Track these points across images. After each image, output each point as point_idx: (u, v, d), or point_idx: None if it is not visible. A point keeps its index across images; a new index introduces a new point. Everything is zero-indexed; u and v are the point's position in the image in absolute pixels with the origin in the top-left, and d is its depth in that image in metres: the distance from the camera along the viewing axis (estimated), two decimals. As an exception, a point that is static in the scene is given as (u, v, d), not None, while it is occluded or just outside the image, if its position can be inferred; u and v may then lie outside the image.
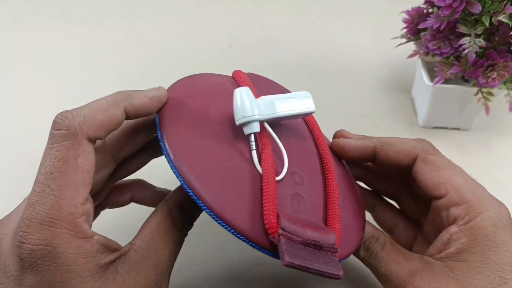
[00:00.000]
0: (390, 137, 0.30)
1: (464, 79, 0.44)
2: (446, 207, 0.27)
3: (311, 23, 0.67)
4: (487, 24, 0.38)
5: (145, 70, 0.58)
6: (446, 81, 0.43)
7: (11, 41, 0.63)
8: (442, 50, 0.41)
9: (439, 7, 0.39)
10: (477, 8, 0.37)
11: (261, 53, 0.61)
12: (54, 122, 0.22)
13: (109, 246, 0.23)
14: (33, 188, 0.21)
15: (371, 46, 0.62)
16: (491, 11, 0.38)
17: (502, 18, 0.37)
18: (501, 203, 0.27)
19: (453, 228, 0.26)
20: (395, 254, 0.28)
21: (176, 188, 0.27)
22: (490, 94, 0.42)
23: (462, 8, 0.37)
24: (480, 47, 0.39)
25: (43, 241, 0.20)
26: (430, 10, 0.43)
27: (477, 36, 0.39)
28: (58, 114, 0.23)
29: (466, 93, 0.44)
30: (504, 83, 0.41)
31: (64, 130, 0.22)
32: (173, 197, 0.26)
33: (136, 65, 0.59)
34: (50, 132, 0.22)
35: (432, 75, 0.44)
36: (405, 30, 0.46)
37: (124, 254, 0.23)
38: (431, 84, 0.43)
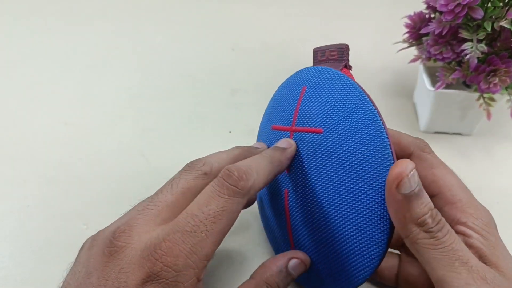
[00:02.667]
0: (390, 128, 0.29)
1: (465, 85, 0.44)
2: (439, 206, 0.27)
3: (313, 28, 0.67)
4: (489, 29, 0.38)
5: (147, 73, 0.58)
6: (448, 86, 0.43)
7: (14, 43, 0.63)
8: (444, 55, 0.41)
9: (441, 12, 0.39)
10: (479, 14, 0.37)
11: (263, 57, 0.61)
12: (229, 176, 0.25)
13: None
14: (186, 218, 0.23)
15: (373, 51, 0.62)
16: (493, 17, 0.38)
17: (504, 23, 0.37)
18: (484, 207, 0.27)
19: (458, 228, 0.26)
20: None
21: (265, 262, 0.29)
22: (492, 99, 0.42)
23: (464, 13, 0.37)
24: (482, 53, 0.39)
25: (175, 266, 0.22)
26: (432, 15, 0.44)
27: (479, 41, 0.39)
28: (233, 168, 0.25)
29: (468, 99, 0.43)
30: (506, 88, 0.41)
31: (238, 189, 0.24)
32: (261, 272, 0.28)
33: (138, 68, 0.59)
34: (222, 181, 0.25)
35: (433, 80, 0.44)
36: (407, 35, 0.46)
37: None
38: (432, 89, 0.43)
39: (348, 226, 0.27)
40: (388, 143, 0.26)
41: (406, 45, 0.47)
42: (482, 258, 0.24)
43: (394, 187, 0.23)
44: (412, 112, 0.51)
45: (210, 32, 0.66)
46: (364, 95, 0.28)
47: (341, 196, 0.27)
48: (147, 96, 0.54)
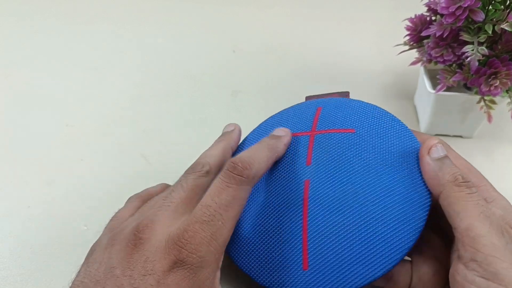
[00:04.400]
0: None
1: (466, 87, 0.44)
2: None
3: (314, 30, 0.67)
4: (490, 32, 0.38)
5: (148, 75, 0.58)
6: (449, 88, 0.43)
7: (15, 44, 0.63)
8: (445, 58, 0.41)
9: (442, 15, 0.39)
10: (480, 16, 0.37)
11: (264, 59, 0.61)
12: (234, 167, 0.27)
13: None
14: (202, 209, 0.26)
15: (374, 53, 0.62)
16: (494, 19, 0.38)
17: (505, 26, 0.37)
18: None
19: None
20: None
21: None
22: (493, 102, 0.42)
23: (465, 16, 0.37)
24: (483, 55, 0.39)
25: (199, 252, 0.24)
26: (433, 18, 0.44)
27: (480, 44, 0.39)
28: (237, 160, 0.28)
29: (469, 101, 0.44)
30: (507, 91, 0.41)
31: (244, 178, 0.27)
32: None
33: (139, 69, 0.59)
34: (229, 173, 0.27)
35: (434, 83, 0.44)
36: (408, 38, 0.46)
37: None
38: (433, 91, 0.43)
39: (387, 205, 0.29)
40: (411, 131, 0.33)
41: (407, 47, 0.47)
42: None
43: (426, 153, 0.29)
44: (413, 115, 0.51)
45: (211, 34, 0.66)
46: (387, 112, 0.35)
47: (380, 178, 0.30)
48: (148, 98, 0.54)
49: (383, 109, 0.35)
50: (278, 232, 0.31)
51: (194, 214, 0.25)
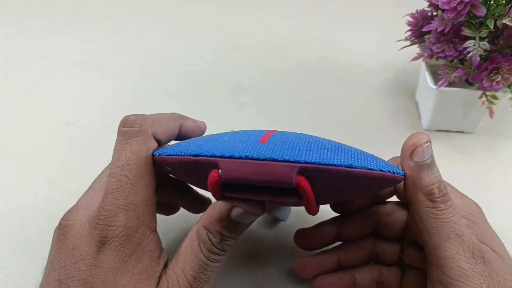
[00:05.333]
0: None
1: (468, 82, 0.44)
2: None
3: (315, 26, 0.67)
4: (491, 27, 0.38)
5: (149, 73, 0.58)
6: (450, 84, 0.43)
7: (17, 43, 0.63)
8: (446, 53, 0.41)
9: (443, 10, 0.39)
10: (481, 11, 0.37)
11: (265, 56, 0.61)
12: (125, 121, 0.26)
13: (161, 253, 0.25)
14: (109, 179, 0.24)
15: (375, 50, 0.62)
16: (495, 14, 0.38)
17: (506, 21, 0.37)
18: (468, 198, 0.28)
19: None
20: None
21: (209, 207, 0.26)
22: (494, 97, 0.42)
23: (467, 11, 0.37)
24: (485, 50, 0.39)
25: (118, 222, 0.23)
26: (435, 13, 0.43)
27: (482, 39, 0.39)
28: (129, 115, 0.26)
29: (470, 97, 0.43)
30: (509, 86, 0.41)
31: (137, 128, 0.26)
32: (203, 218, 0.26)
33: (141, 67, 0.59)
34: (120, 130, 0.26)
35: (436, 78, 0.44)
36: (409, 33, 0.46)
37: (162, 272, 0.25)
38: (435, 87, 0.43)
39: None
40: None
41: (408, 43, 0.47)
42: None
43: (408, 155, 0.25)
44: (415, 110, 0.51)
45: (212, 32, 0.66)
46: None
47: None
48: (150, 96, 0.54)
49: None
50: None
51: (106, 187, 0.24)
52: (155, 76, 0.57)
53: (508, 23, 0.37)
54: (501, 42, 0.40)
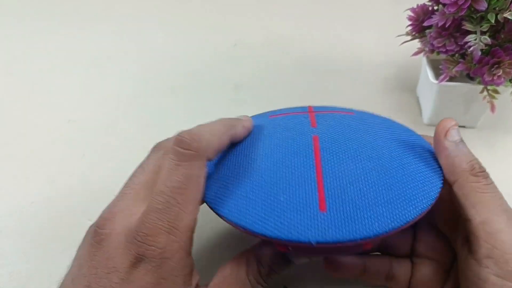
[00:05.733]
0: None
1: (469, 77, 0.44)
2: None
3: (315, 22, 0.67)
4: (492, 21, 0.37)
5: (150, 70, 0.58)
6: (451, 79, 0.43)
7: (18, 41, 0.63)
8: (447, 48, 0.41)
9: (444, 4, 0.39)
10: (482, 5, 0.37)
11: (266, 52, 0.61)
12: (181, 141, 0.25)
13: (193, 275, 0.25)
14: (155, 196, 0.24)
15: (376, 44, 0.62)
16: (497, 8, 0.38)
17: (508, 15, 0.37)
18: None
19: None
20: None
21: (262, 241, 0.27)
22: (496, 92, 0.41)
23: (468, 5, 0.37)
24: (486, 45, 0.39)
25: (158, 244, 0.23)
26: (436, 8, 0.43)
27: (483, 33, 0.39)
28: (184, 133, 0.25)
29: (472, 91, 0.43)
30: (510, 80, 0.41)
31: (193, 152, 0.24)
32: (256, 249, 0.27)
33: (141, 64, 0.59)
34: (175, 149, 0.24)
35: (437, 73, 0.44)
36: (410, 28, 0.46)
37: None
38: (436, 82, 0.43)
39: (405, 162, 0.27)
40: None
41: (409, 38, 0.47)
42: None
43: (443, 136, 0.26)
44: (416, 105, 0.51)
45: (212, 28, 0.66)
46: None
47: (391, 149, 0.28)
48: (150, 93, 0.54)
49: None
50: (284, 178, 0.26)
51: (150, 203, 0.24)
52: (155, 74, 0.57)
53: (509, 17, 0.37)
54: (502, 36, 0.40)
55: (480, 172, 0.25)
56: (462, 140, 0.27)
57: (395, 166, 0.27)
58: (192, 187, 0.24)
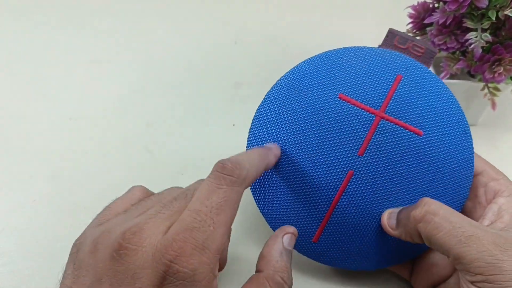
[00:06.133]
0: None
1: (470, 74, 0.44)
2: (484, 183, 0.30)
3: (316, 19, 0.67)
4: (493, 18, 0.37)
5: (150, 67, 0.58)
6: (452, 76, 0.43)
7: (18, 38, 0.63)
8: (448, 45, 0.41)
9: (445, 2, 0.39)
10: (483, 3, 0.37)
11: (266, 49, 0.61)
12: (224, 167, 0.25)
13: None
14: (191, 214, 0.23)
15: (376, 42, 0.61)
16: (497, 6, 0.38)
17: (508, 12, 0.37)
18: None
19: (501, 200, 0.28)
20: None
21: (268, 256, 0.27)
22: (497, 89, 0.42)
23: (469, 2, 0.37)
24: (487, 42, 0.39)
25: (190, 265, 0.22)
26: (436, 5, 0.43)
27: (484, 30, 0.39)
28: (226, 160, 0.26)
29: (472, 88, 0.43)
30: (511, 78, 0.41)
31: (234, 178, 0.25)
32: (273, 266, 0.27)
33: (141, 62, 0.59)
34: (217, 173, 0.25)
35: (438, 71, 0.44)
36: (410, 25, 0.46)
37: None
38: (437, 79, 0.43)
39: None
40: (473, 167, 0.31)
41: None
42: None
43: (390, 230, 0.29)
44: (416, 103, 0.51)
45: (212, 25, 0.66)
46: (463, 114, 0.31)
47: (421, 190, 0.29)
48: (151, 90, 0.54)
49: (460, 110, 0.31)
50: (302, 205, 0.30)
51: (182, 220, 0.23)
52: (156, 70, 0.57)
53: (510, 14, 0.37)
54: (503, 33, 0.40)
55: (421, 215, 0.26)
56: (399, 213, 0.29)
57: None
58: (229, 210, 0.24)
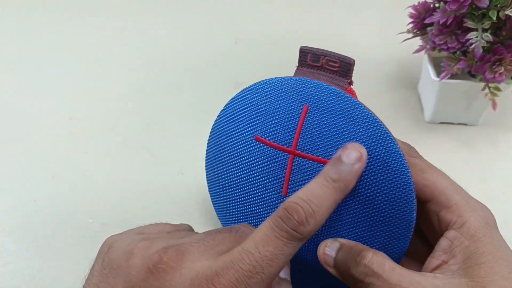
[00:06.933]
0: None
1: (471, 74, 0.44)
2: (435, 212, 0.27)
3: (317, 19, 0.67)
4: (494, 18, 0.37)
5: (150, 67, 0.58)
6: (453, 76, 0.43)
7: (17, 38, 0.63)
8: (449, 45, 0.41)
9: (446, 2, 0.39)
10: (484, 3, 0.37)
11: (266, 49, 0.61)
12: (289, 219, 0.22)
13: None
14: (241, 255, 0.22)
15: (377, 42, 0.61)
16: (498, 5, 0.37)
17: (509, 12, 0.37)
18: (483, 204, 0.27)
19: (451, 233, 0.25)
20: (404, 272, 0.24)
21: None
22: (497, 89, 0.41)
23: (469, 2, 0.37)
24: (487, 42, 0.38)
25: None
26: (437, 5, 0.43)
27: (484, 30, 0.39)
28: (292, 210, 0.23)
29: (473, 88, 0.43)
30: (511, 78, 0.41)
31: (299, 235, 0.23)
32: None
33: (142, 62, 0.59)
34: (282, 223, 0.23)
35: (438, 71, 0.44)
36: (411, 25, 0.46)
37: None
38: (437, 79, 0.43)
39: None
40: (412, 186, 0.26)
41: (410, 35, 0.47)
42: (467, 263, 0.24)
43: (328, 267, 0.26)
44: (417, 103, 0.51)
45: (212, 25, 0.66)
46: (387, 132, 0.26)
47: (349, 224, 0.27)
48: (151, 90, 0.54)
49: (379, 127, 0.27)
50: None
51: (232, 257, 0.22)
52: (157, 70, 0.57)
53: (511, 14, 0.36)
54: (503, 33, 0.39)
55: (367, 270, 0.24)
56: (337, 251, 0.26)
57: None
58: (281, 264, 0.23)
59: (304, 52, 0.30)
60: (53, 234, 0.38)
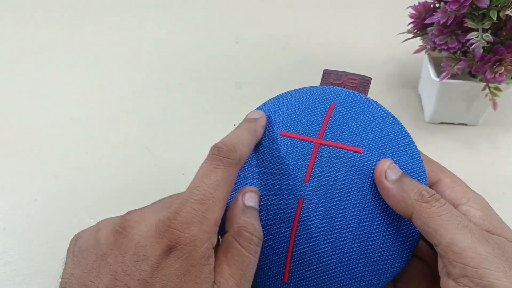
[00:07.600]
0: None
1: (471, 74, 0.44)
2: (440, 193, 0.28)
3: (317, 19, 0.67)
4: (494, 18, 0.37)
5: (151, 68, 0.58)
6: (453, 76, 0.43)
7: (19, 38, 0.63)
8: (449, 45, 0.41)
9: (446, 2, 0.39)
10: (484, 3, 0.37)
11: (267, 49, 0.61)
12: (220, 150, 0.27)
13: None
14: (191, 191, 0.25)
15: (377, 42, 0.61)
16: (498, 6, 0.38)
17: (509, 12, 0.37)
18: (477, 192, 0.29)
19: (463, 208, 0.27)
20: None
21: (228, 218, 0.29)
22: (498, 89, 0.41)
23: (470, 2, 0.37)
24: (488, 42, 0.38)
25: (192, 231, 0.24)
26: (437, 5, 0.43)
27: (485, 31, 0.39)
28: (221, 144, 0.27)
29: (473, 89, 0.43)
30: (512, 78, 0.41)
31: (231, 160, 0.27)
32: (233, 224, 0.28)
33: (143, 62, 0.59)
34: (215, 156, 0.27)
35: (438, 71, 0.44)
36: (411, 26, 0.46)
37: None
38: (437, 79, 0.43)
39: (371, 249, 0.28)
40: (426, 177, 0.29)
41: (410, 35, 0.47)
42: (487, 231, 0.26)
43: (383, 179, 0.27)
44: (417, 103, 0.51)
45: (213, 25, 0.66)
46: (403, 126, 0.31)
47: (373, 213, 0.28)
48: (152, 90, 0.54)
49: (398, 123, 0.31)
50: (264, 245, 0.31)
51: (184, 196, 0.25)
52: (157, 70, 0.57)
53: (511, 14, 0.36)
54: (504, 33, 0.39)
55: (430, 197, 0.25)
56: (403, 174, 0.27)
57: (356, 255, 0.28)
58: (226, 187, 0.26)
59: (327, 73, 0.35)
60: (53, 234, 0.38)
